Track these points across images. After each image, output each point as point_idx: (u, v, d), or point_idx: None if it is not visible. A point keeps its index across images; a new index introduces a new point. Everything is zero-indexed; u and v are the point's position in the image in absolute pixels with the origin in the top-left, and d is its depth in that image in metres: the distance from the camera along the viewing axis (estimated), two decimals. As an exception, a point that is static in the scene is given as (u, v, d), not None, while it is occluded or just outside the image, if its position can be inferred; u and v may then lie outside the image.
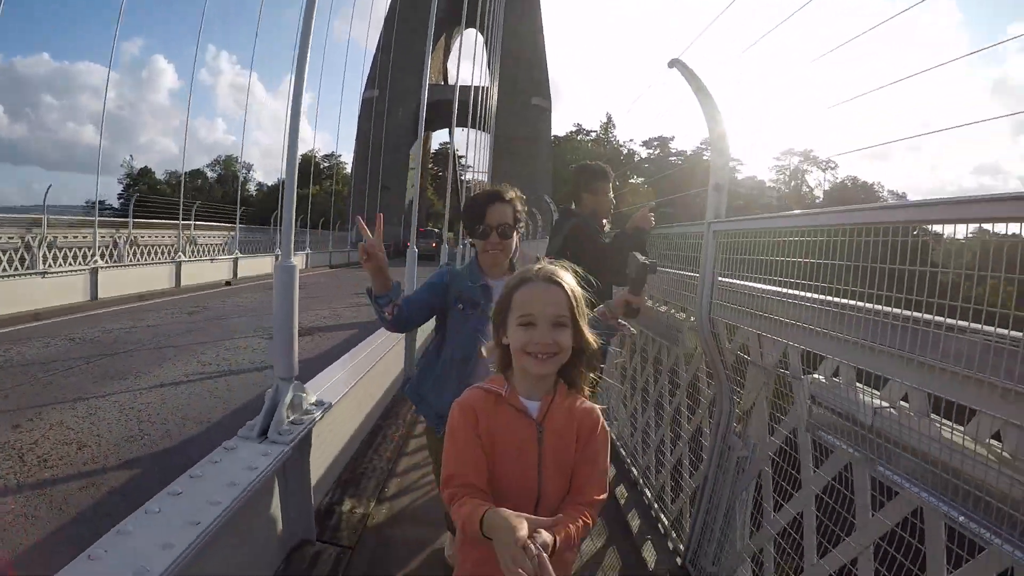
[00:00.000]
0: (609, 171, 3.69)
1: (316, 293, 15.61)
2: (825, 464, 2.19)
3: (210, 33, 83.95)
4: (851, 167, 74.72)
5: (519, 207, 2.48)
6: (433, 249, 22.62)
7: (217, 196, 52.55)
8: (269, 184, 62.65)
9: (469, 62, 40.83)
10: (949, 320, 1.48)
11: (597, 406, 1.56)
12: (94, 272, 11.39)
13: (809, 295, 2.12)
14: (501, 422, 1.47)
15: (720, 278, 2.82)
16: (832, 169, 64.56)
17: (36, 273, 10.19)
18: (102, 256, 12.09)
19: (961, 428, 1.60)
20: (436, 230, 33.91)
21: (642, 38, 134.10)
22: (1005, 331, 1.35)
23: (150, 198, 14.63)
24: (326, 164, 50.86)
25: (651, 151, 65.14)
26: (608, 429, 1.57)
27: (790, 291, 2.24)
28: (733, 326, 2.82)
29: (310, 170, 47.21)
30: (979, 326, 1.40)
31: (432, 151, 57.79)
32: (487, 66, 34.07)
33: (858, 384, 2.08)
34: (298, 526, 3.10)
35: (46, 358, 7.05)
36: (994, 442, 1.52)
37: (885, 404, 1.91)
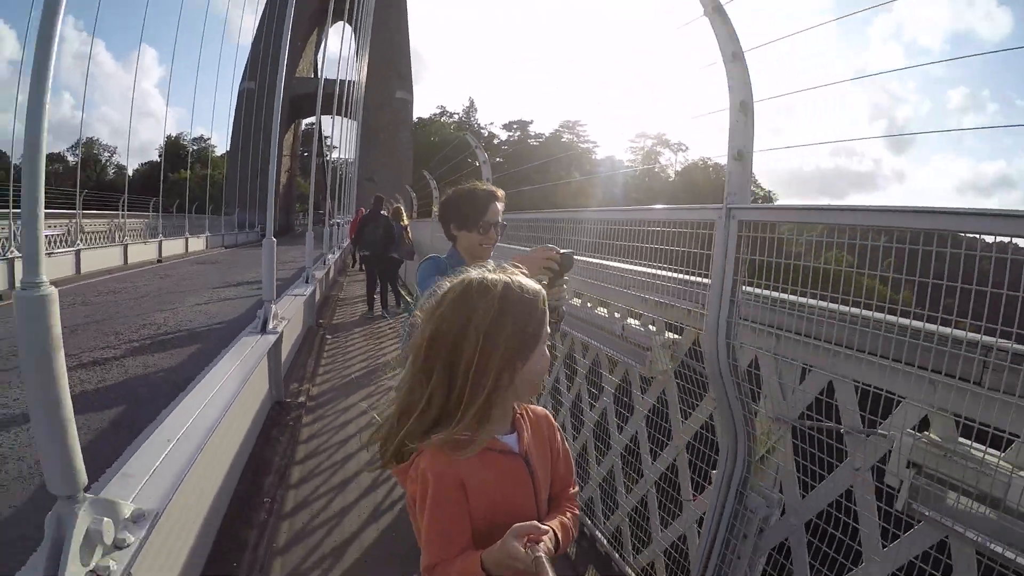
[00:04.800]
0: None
1: (236, 263, 20.48)
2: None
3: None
4: (705, 149, 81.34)
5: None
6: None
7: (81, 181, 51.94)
8: (135, 167, 62.50)
9: (339, 54, 43.37)
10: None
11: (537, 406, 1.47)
12: (78, 253, 15.44)
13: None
14: (493, 475, 1.31)
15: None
16: (683, 151, 70.97)
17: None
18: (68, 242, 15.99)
19: None
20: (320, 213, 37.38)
21: (508, 19, 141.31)
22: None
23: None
24: (194, 148, 52.32)
25: (511, 133, 70.62)
26: None
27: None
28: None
29: (182, 153, 48.93)
30: None
31: (301, 131, 60.48)
32: (356, 58, 37.39)
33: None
34: (277, 390, 5.45)
35: (112, 306, 11.05)
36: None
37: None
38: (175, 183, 38.72)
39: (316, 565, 3.26)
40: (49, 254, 14.00)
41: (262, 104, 42.77)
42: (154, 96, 71.41)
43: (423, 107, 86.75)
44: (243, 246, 32.03)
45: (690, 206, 2.70)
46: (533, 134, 71.35)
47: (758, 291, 2.20)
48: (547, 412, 1.49)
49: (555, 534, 1.25)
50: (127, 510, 2.01)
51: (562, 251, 2.19)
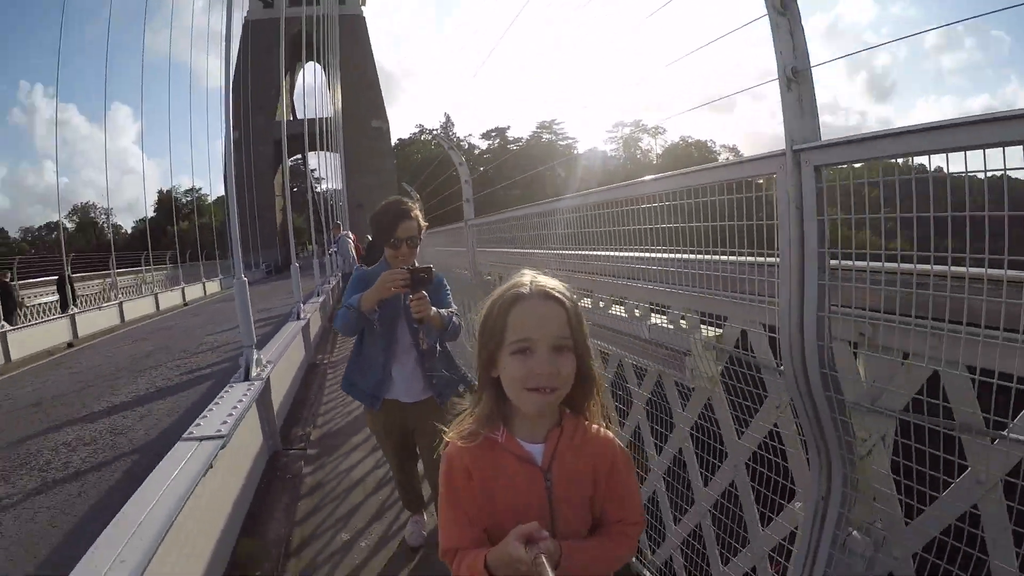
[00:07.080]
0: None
1: (252, 297, 22.40)
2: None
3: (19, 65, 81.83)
4: (689, 127, 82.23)
5: (422, 220, 2.94)
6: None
7: (81, 245, 54.66)
8: (128, 226, 65.18)
9: (314, 95, 43.85)
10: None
11: (609, 431, 1.40)
12: (120, 305, 17.90)
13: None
14: (499, 473, 1.31)
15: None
16: (662, 134, 73.52)
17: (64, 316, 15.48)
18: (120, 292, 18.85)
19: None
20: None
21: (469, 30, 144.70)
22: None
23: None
24: (187, 199, 54.57)
25: (490, 142, 71.56)
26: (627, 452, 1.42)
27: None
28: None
29: (178, 207, 50.77)
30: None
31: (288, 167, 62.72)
32: (329, 95, 38.74)
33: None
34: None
35: (170, 337, 14.11)
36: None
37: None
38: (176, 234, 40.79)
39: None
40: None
41: (250, 151, 44.79)
42: (135, 152, 71.28)
43: (402, 127, 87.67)
44: (252, 284, 33.84)
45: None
46: (512, 139, 72.90)
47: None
48: (613, 438, 1.40)
49: (559, 547, 1.21)
50: (264, 357, 5.26)
51: (414, 268, 2.59)
